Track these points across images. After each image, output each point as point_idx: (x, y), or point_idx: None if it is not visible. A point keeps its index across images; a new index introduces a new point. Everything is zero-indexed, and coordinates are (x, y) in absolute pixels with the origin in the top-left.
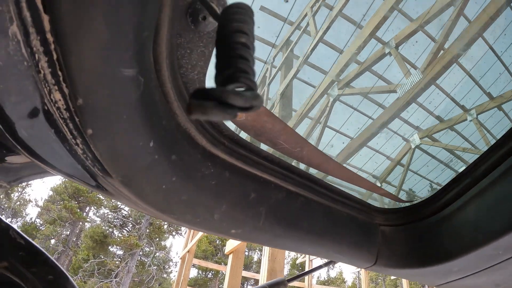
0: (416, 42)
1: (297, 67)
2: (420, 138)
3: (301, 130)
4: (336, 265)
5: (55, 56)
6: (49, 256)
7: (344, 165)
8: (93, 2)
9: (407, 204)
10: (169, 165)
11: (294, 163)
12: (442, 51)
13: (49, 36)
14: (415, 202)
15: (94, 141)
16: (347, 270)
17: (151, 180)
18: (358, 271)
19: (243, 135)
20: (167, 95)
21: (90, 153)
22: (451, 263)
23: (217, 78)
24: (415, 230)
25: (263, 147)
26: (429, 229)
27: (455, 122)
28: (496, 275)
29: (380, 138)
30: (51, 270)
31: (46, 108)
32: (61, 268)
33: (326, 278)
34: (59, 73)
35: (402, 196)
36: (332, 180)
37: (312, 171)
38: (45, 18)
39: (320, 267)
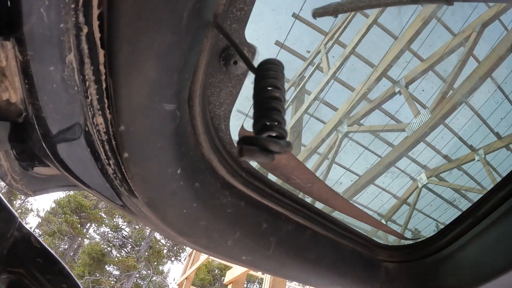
0: (426, 84)
1: (308, 102)
2: (427, 177)
3: (309, 165)
4: None
5: (104, 86)
6: (65, 266)
7: (350, 201)
8: (148, 45)
9: (411, 242)
10: (192, 191)
11: (305, 198)
12: (451, 91)
13: (102, 68)
14: (418, 240)
15: (128, 164)
16: None
17: (174, 204)
18: None
19: (259, 168)
20: (195, 128)
21: (120, 174)
22: None
23: (255, 125)
24: (418, 268)
25: (277, 181)
26: (431, 267)
27: (462, 162)
28: None
29: (387, 176)
30: (66, 280)
31: (87, 129)
32: (75, 279)
33: None
34: (105, 100)
35: (407, 235)
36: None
37: (320, 205)
38: (101, 52)
39: None
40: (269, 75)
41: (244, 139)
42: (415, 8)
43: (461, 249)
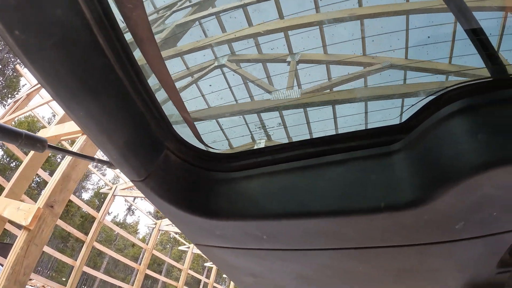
0: (314, 71)
1: (207, 12)
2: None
3: (171, 71)
4: (136, 213)
5: None
6: None
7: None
8: None
9: (206, 148)
10: None
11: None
12: (328, 91)
13: None
14: (214, 150)
15: None
16: (143, 223)
17: None
18: (152, 227)
19: None
20: None
21: None
22: (216, 223)
23: None
24: (197, 176)
25: None
26: (211, 182)
27: None
28: (255, 263)
29: (232, 121)
30: None
31: None
32: None
33: (121, 221)
34: None
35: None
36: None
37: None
38: None
39: (92, 159)
40: None
41: None
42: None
43: (248, 179)
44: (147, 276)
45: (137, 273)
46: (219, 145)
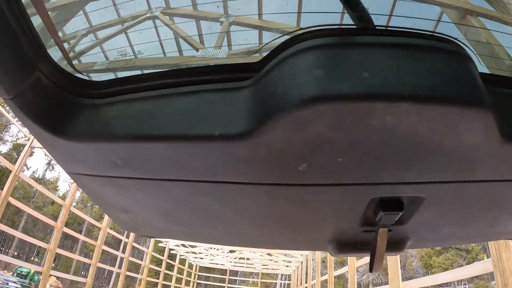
0: (249, 36)
1: None
2: None
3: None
4: (56, 169)
5: None
6: None
7: None
8: None
9: (78, 74)
10: None
11: None
12: (257, 54)
13: None
14: (84, 77)
15: None
16: (63, 178)
17: None
18: (70, 185)
19: None
20: None
21: None
22: (76, 145)
23: None
24: (67, 100)
25: None
26: (79, 106)
27: None
28: (120, 195)
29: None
30: None
31: None
32: None
33: (40, 176)
34: None
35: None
36: None
37: None
38: None
39: None
40: None
41: None
42: None
43: (109, 105)
44: (67, 236)
45: None
46: (90, 72)
